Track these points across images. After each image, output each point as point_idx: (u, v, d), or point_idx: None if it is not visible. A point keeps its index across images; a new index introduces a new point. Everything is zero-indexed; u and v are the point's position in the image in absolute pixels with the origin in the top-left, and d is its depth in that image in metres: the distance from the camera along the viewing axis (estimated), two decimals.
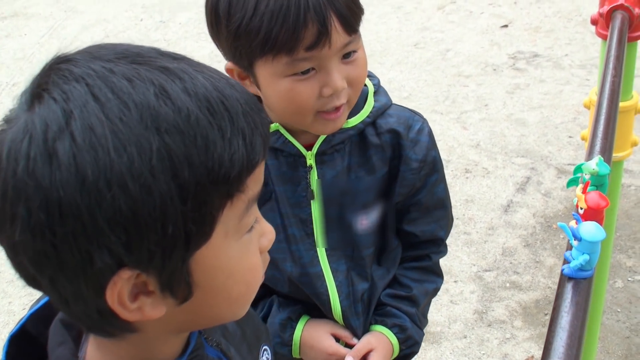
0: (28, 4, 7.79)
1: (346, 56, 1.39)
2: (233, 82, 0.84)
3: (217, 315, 0.93)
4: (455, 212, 3.94)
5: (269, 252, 0.97)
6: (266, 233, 0.95)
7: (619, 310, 3.33)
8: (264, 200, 1.56)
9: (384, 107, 1.59)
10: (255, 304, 1.68)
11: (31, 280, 0.82)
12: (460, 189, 4.20)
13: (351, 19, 1.35)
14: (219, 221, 0.82)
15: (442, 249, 1.79)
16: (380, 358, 1.69)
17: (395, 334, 1.71)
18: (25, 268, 0.80)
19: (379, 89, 1.61)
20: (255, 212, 0.89)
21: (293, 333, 1.68)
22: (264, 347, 1.24)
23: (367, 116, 1.55)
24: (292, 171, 1.55)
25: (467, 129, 4.80)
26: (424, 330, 1.82)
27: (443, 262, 3.48)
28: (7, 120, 0.79)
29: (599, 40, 2.36)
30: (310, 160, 1.54)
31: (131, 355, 0.91)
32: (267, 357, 1.24)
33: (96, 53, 0.81)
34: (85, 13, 7.41)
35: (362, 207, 1.60)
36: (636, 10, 2.15)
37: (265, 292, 1.71)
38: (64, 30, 6.97)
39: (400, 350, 1.73)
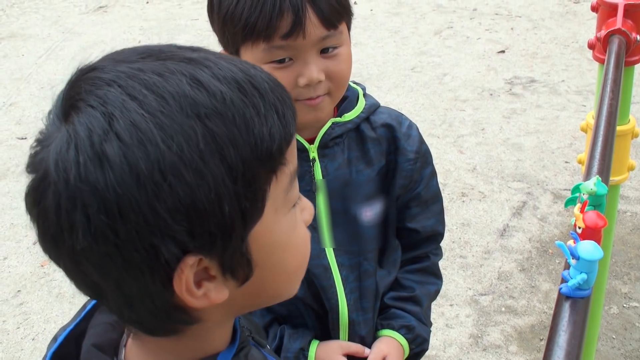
0: (26, 25, 7.82)
1: (325, 50, 1.47)
2: (252, 64, 0.87)
3: (276, 292, 0.95)
4: (451, 235, 3.96)
5: None
6: (307, 207, 0.98)
7: (614, 336, 3.31)
8: None
9: (375, 106, 1.68)
10: (264, 331, 1.70)
11: (94, 288, 0.84)
12: (456, 213, 4.19)
13: (329, 13, 1.43)
14: (268, 196, 0.84)
15: (439, 251, 1.87)
16: None
17: (403, 335, 1.75)
18: (89, 277, 0.81)
19: (366, 93, 1.70)
20: (297, 186, 0.92)
21: None
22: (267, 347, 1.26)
23: (362, 111, 1.65)
24: None
25: (463, 153, 4.81)
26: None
27: None
28: (41, 140, 0.80)
29: (596, 66, 2.37)
30: (313, 153, 1.60)
31: (185, 349, 0.93)
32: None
33: (119, 57, 0.83)
34: (83, 35, 7.44)
35: (365, 199, 1.66)
36: (633, 35, 2.16)
37: (273, 319, 1.72)
38: (61, 52, 6.99)
39: (411, 349, 1.77)
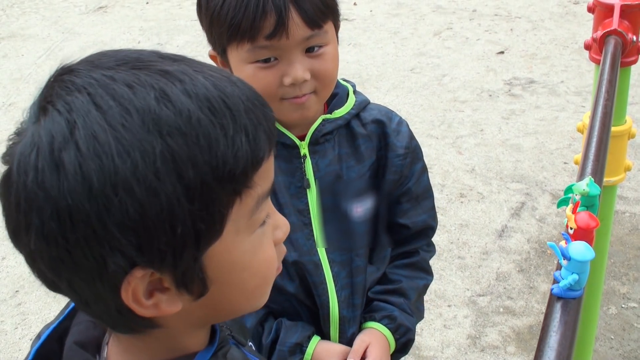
0: (26, 25, 7.81)
1: (310, 49, 1.49)
2: (235, 79, 0.86)
3: (235, 308, 0.95)
4: (449, 236, 3.97)
5: None
6: (281, 226, 0.96)
7: (612, 337, 3.31)
8: None
9: (365, 102, 1.70)
10: (260, 326, 1.70)
11: (51, 284, 0.85)
12: (454, 214, 4.19)
13: (313, 13, 1.45)
14: (229, 218, 0.83)
15: (431, 248, 1.87)
16: (377, 350, 1.71)
17: (385, 325, 1.74)
18: (44, 273, 0.83)
19: (355, 90, 1.72)
20: (267, 207, 0.91)
21: (302, 358, 1.69)
22: (250, 343, 1.26)
23: (352, 108, 1.67)
24: (286, 163, 1.62)
25: (462, 154, 4.81)
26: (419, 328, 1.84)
27: (437, 286, 3.44)
28: (18, 133, 0.81)
29: (594, 67, 2.36)
30: (304, 150, 1.62)
31: (157, 349, 0.93)
32: None
33: (97, 62, 0.83)
34: (83, 35, 7.43)
35: (356, 195, 1.67)
36: (629, 36, 2.15)
37: (268, 313, 1.72)
38: (61, 52, 6.98)
39: (395, 339, 1.76)
